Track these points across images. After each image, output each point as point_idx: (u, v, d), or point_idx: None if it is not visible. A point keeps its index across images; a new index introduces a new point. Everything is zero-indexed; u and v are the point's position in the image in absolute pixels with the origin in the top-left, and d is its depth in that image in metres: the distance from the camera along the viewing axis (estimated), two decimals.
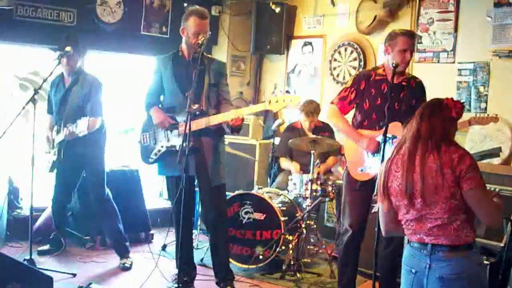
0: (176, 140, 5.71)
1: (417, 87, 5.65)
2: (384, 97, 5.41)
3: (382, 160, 4.74)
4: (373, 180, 5.33)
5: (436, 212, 3.45)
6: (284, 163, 7.98)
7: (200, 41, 5.52)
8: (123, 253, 6.97)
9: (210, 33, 5.87)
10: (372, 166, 5.38)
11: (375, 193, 5.12)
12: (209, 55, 6.28)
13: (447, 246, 3.46)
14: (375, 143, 5.37)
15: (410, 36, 5.53)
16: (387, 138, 5.07)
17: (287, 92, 5.34)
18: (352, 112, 5.83)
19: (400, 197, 3.58)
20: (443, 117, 3.60)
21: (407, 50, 5.44)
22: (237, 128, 5.63)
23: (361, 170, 5.52)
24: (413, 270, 3.60)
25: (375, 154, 5.39)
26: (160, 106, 5.99)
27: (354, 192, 5.67)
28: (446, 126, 3.60)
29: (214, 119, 5.59)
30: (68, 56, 6.48)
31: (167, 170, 5.99)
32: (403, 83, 5.57)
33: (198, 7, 5.86)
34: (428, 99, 4.44)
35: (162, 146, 5.85)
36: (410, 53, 5.51)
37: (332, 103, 5.79)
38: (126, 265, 6.87)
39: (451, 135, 3.65)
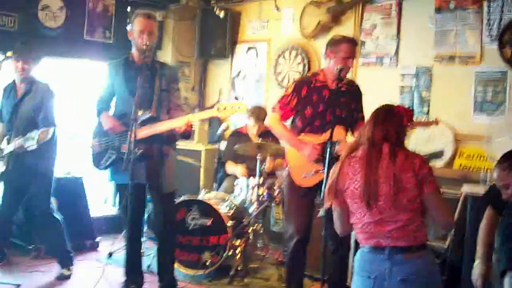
0: (126, 147, 5.62)
1: (355, 91, 5.77)
2: (326, 103, 5.46)
3: (329, 165, 4.77)
4: (316, 185, 5.38)
5: (397, 215, 3.51)
6: (230, 167, 7.97)
7: (146, 44, 5.49)
8: (65, 263, 6.85)
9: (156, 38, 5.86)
10: (315, 172, 5.38)
11: (321, 197, 5.11)
12: (161, 61, 6.23)
13: (405, 248, 3.52)
14: (317, 151, 5.38)
15: (353, 43, 5.61)
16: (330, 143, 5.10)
17: (236, 98, 5.33)
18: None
19: (358, 200, 3.61)
20: (396, 123, 3.68)
21: (349, 58, 5.53)
22: (186, 134, 5.61)
23: (305, 176, 5.53)
24: (372, 276, 3.61)
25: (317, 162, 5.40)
26: (112, 111, 5.92)
27: (298, 198, 5.65)
28: (399, 131, 3.69)
29: (163, 126, 5.51)
30: (24, 61, 6.37)
31: (118, 177, 5.88)
32: (343, 89, 5.60)
33: (144, 10, 5.86)
34: (372, 103, 4.49)
35: (112, 153, 5.76)
36: (352, 60, 5.61)
37: (273, 110, 5.78)
38: (64, 274, 6.76)
39: (403, 140, 3.75)
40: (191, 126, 5.53)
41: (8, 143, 6.48)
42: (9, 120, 6.55)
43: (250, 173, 7.51)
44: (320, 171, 5.27)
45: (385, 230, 3.55)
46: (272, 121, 5.78)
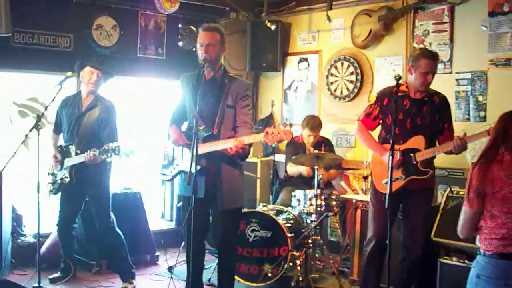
0: (189, 160, 5.62)
1: (441, 102, 5.77)
2: (406, 111, 5.53)
3: (391, 171, 4.85)
4: (398, 192, 5.44)
5: None
6: (291, 168, 7.98)
7: (203, 57, 5.48)
8: (127, 278, 6.90)
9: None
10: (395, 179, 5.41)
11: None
12: (233, 75, 6.07)
13: None
14: (396, 158, 5.41)
15: (432, 59, 5.63)
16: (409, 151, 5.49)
17: (285, 123, 5.32)
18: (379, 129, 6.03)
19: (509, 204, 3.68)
20: None
21: (429, 73, 5.58)
22: (241, 155, 5.52)
23: (385, 183, 5.53)
24: (510, 283, 3.64)
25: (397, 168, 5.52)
26: (186, 124, 5.91)
27: (378, 204, 5.77)
28: None
29: (215, 145, 5.42)
30: (98, 74, 6.57)
31: (182, 189, 5.86)
32: (425, 99, 5.69)
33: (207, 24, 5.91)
34: None
35: (177, 165, 5.78)
36: (432, 75, 5.63)
37: (358, 120, 5.99)
38: None
39: None
40: (241, 148, 5.34)
41: (65, 154, 6.58)
42: (70, 132, 6.65)
43: (308, 182, 7.53)
44: (400, 178, 5.37)
45: None
46: (357, 129, 6.02)
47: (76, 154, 6.48)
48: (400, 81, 5.40)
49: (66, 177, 6.60)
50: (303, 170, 7.74)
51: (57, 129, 6.87)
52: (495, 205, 3.70)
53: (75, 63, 6.72)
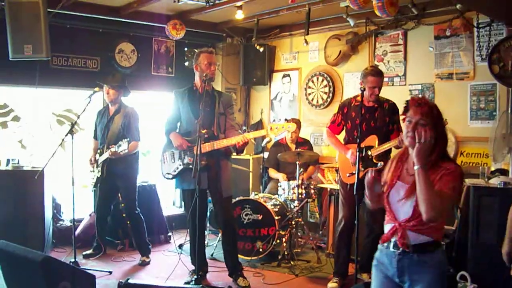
0: (191, 160, 5.71)
1: (390, 107, 5.85)
2: (361, 117, 5.58)
3: (358, 165, 4.97)
4: (362, 180, 5.50)
5: None
6: (273, 173, 8.03)
7: (208, 75, 5.60)
8: (145, 253, 6.99)
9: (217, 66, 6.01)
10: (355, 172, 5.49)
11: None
12: (218, 90, 6.28)
13: None
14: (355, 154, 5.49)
15: (377, 75, 5.72)
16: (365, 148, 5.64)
17: (286, 120, 5.47)
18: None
19: None
20: None
21: (375, 87, 5.69)
22: (241, 149, 5.66)
23: (349, 175, 5.74)
24: None
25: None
26: (177, 131, 5.98)
27: (345, 192, 5.91)
28: None
29: (223, 142, 5.57)
30: (109, 88, 6.67)
31: (183, 184, 5.95)
32: (375, 105, 5.80)
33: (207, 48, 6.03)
34: None
35: (180, 164, 5.82)
36: (379, 89, 5.74)
37: (326, 126, 6.09)
38: (145, 261, 6.89)
39: None
40: (246, 142, 5.55)
41: (101, 154, 6.66)
42: (102, 136, 6.75)
43: (289, 176, 7.58)
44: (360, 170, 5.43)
45: None
46: (326, 134, 6.11)
47: (105, 152, 6.58)
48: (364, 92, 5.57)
49: (99, 172, 6.70)
50: (280, 177, 7.76)
51: (95, 136, 6.97)
52: None
53: (121, 80, 6.84)
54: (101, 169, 6.68)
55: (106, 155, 6.55)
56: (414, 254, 3.11)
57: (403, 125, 3.24)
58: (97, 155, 6.80)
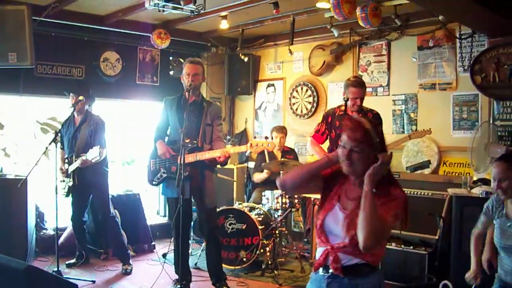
0: (174, 168, 5.69)
1: (374, 117, 5.87)
2: None
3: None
4: None
5: None
6: (257, 176, 8.00)
7: (190, 84, 5.59)
8: (125, 260, 6.95)
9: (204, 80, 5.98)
10: None
11: None
12: (209, 100, 6.26)
13: None
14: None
15: (358, 87, 5.76)
16: None
17: (266, 138, 5.45)
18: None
19: None
20: None
21: (357, 98, 5.72)
22: (224, 163, 5.63)
23: None
24: None
25: None
26: (166, 138, 5.96)
27: None
28: None
29: (206, 154, 5.54)
30: (76, 98, 6.58)
31: (167, 192, 5.94)
32: (360, 115, 5.70)
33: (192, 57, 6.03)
34: None
35: (164, 172, 5.82)
36: (361, 100, 5.77)
37: (310, 136, 6.11)
38: (127, 270, 6.85)
39: None
40: (228, 156, 5.55)
41: (70, 164, 6.62)
42: (69, 146, 6.71)
43: (274, 186, 7.57)
44: None
45: None
46: (310, 143, 6.13)
47: (75, 161, 6.55)
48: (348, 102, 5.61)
49: (70, 181, 6.68)
50: (264, 173, 7.77)
51: (62, 146, 6.88)
52: None
53: (86, 89, 6.79)
54: (72, 178, 6.65)
55: (76, 164, 6.51)
56: (345, 278, 2.82)
57: (339, 150, 3.03)
58: (66, 165, 6.74)
